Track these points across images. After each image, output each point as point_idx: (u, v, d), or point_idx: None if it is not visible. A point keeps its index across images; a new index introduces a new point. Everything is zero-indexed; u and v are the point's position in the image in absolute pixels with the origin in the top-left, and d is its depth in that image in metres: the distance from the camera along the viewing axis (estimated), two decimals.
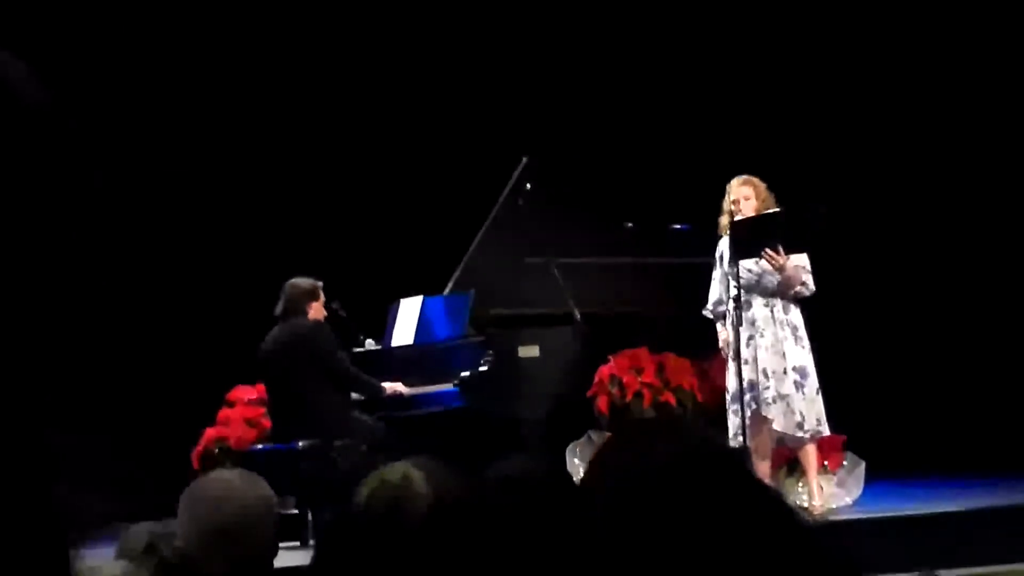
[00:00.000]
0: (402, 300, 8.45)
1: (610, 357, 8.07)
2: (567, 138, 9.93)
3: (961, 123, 9.93)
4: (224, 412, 8.50)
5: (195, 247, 10.33)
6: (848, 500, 7.45)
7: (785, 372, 6.97)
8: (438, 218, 9.86)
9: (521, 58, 10.40)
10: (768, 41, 10.19)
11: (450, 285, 8.44)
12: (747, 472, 1.83)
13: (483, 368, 7.81)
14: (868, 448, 7.63)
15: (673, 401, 7.94)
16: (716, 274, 7.30)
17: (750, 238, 6.98)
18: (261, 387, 8.13)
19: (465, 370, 7.83)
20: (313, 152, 10.64)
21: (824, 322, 7.28)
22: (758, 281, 7.08)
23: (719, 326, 7.30)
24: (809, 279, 7.08)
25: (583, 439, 7.96)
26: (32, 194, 1.57)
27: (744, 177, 7.18)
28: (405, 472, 2.17)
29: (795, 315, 7.08)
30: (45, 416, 1.53)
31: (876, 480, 7.68)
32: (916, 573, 5.22)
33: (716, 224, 7.26)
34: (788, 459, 7.39)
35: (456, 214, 9.05)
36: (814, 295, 7.11)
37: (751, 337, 7.00)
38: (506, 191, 8.31)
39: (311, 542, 7.51)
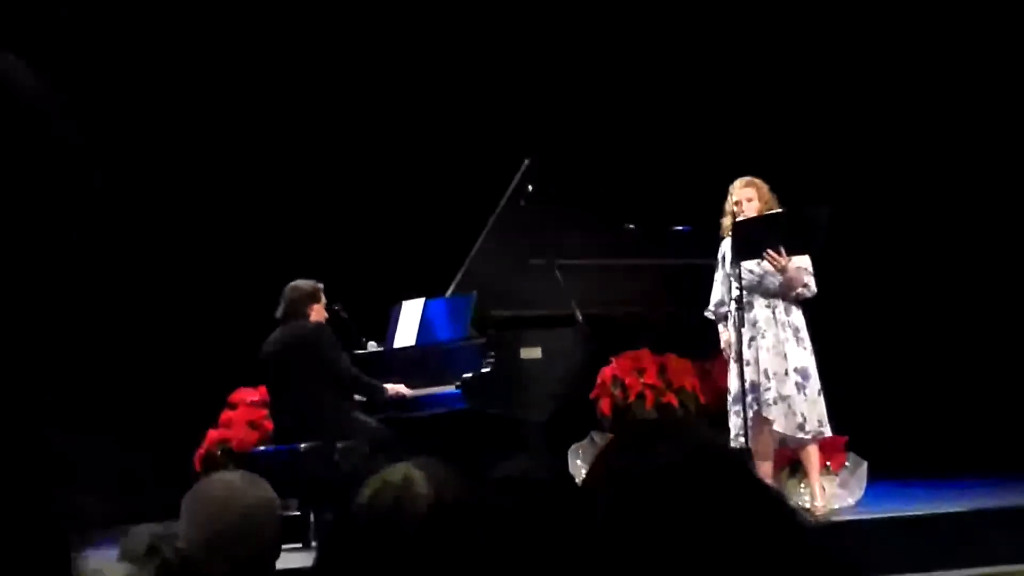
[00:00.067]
0: (404, 302, 8.45)
1: (612, 358, 8.07)
2: (569, 140, 9.93)
3: (962, 125, 9.93)
4: (226, 414, 8.50)
5: (197, 249, 10.33)
6: (850, 501, 7.45)
7: (786, 373, 6.97)
8: (440, 220, 9.87)
9: (523, 60, 10.40)
10: (770, 42, 10.20)
11: (452, 287, 8.44)
12: (749, 473, 1.83)
13: (485, 369, 7.81)
14: (870, 449, 7.63)
15: (675, 402, 7.94)
16: (718, 275, 7.30)
17: (752, 238, 6.98)
18: (263, 389, 8.14)
19: (467, 371, 7.83)
20: (315, 154, 10.64)
21: (826, 323, 7.27)
22: (760, 282, 7.08)
23: (721, 327, 7.30)
24: (811, 280, 7.08)
25: (585, 440, 7.96)
26: (31, 193, 1.57)
27: (747, 179, 7.18)
28: (407, 473, 2.17)
29: (797, 316, 7.08)
30: (46, 416, 1.54)
31: (878, 481, 7.68)
32: None
33: (718, 225, 7.26)
34: (790, 460, 7.39)
35: (458, 216, 9.05)
36: (816, 296, 7.11)
37: (752, 338, 7.01)
38: (508, 193, 8.31)
39: (313, 544, 7.52)
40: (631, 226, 8.52)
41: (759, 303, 7.07)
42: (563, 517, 2.44)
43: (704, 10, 10.33)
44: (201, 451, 8.46)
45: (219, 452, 8.36)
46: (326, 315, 7.76)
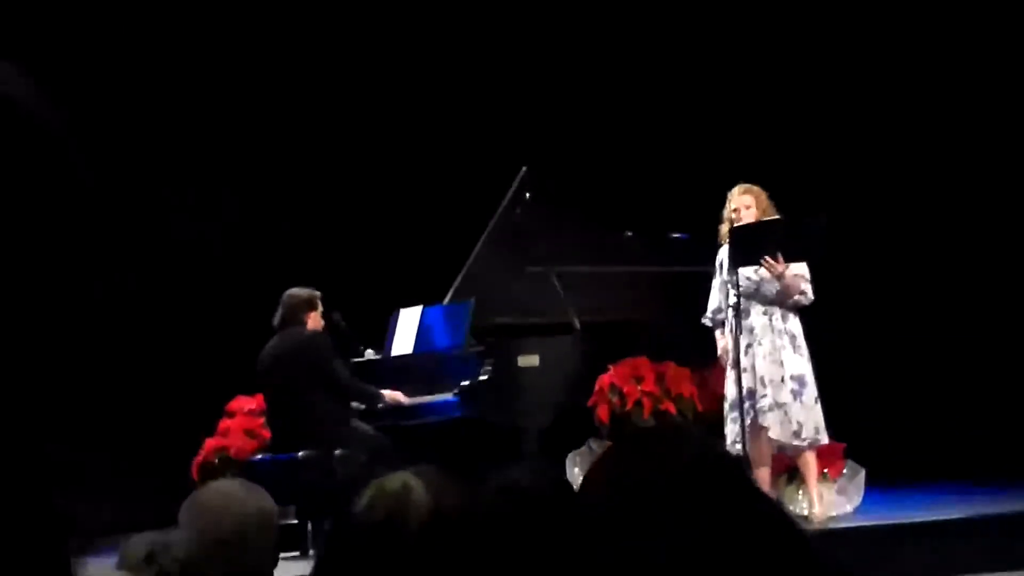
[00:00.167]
0: (402, 310, 8.45)
1: (610, 366, 8.07)
2: (566, 147, 9.94)
3: (959, 134, 9.93)
4: (224, 423, 8.50)
5: (195, 257, 10.33)
6: (849, 508, 7.45)
7: (783, 380, 6.97)
8: (438, 228, 9.87)
9: (520, 68, 10.41)
10: (767, 50, 10.20)
11: (450, 294, 8.44)
12: (749, 481, 1.83)
13: (483, 377, 7.81)
14: (868, 456, 7.63)
15: (673, 410, 7.93)
16: (716, 282, 7.31)
17: (749, 245, 6.98)
18: (260, 398, 8.13)
19: (465, 379, 7.83)
20: (312, 162, 10.64)
21: (824, 330, 7.28)
22: (757, 289, 7.08)
23: (718, 334, 7.31)
24: (808, 288, 7.08)
25: (583, 448, 7.96)
26: (28, 202, 1.57)
27: (745, 186, 7.19)
28: (405, 481, 2.17)
29: (793, 323, 7.08)
30: (45, 425, 1.54)
31: (876, 488, 7.68)
32: None
33: (716, 232, 7.27)
34: (788, 467, 7.39)
35: (456, 224, 9.05)
36: (813, 303, 7.11)
37: (749, 345, 7.01)
38: (506, 200, 8.31)
39: (311, 552, 7.51)
40: (629, 233, 8.52)
41: (756, 310, 7.08)
42: (561, 525, 2.44)
43: (703, 17, 10.34)
44: (199, 459, 8.46)
45: (217, 460, 8.36)
46: (323, 323, 7.76)
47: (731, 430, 7.02)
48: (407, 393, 7.99)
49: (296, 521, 7.61)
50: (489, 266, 8.34)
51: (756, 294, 7.09)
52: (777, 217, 7.10)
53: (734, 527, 1.73)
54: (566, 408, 7.97)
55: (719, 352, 7.28)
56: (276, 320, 7.69)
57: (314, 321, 7.69)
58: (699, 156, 9.83)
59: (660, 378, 8.00)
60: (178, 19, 10.25)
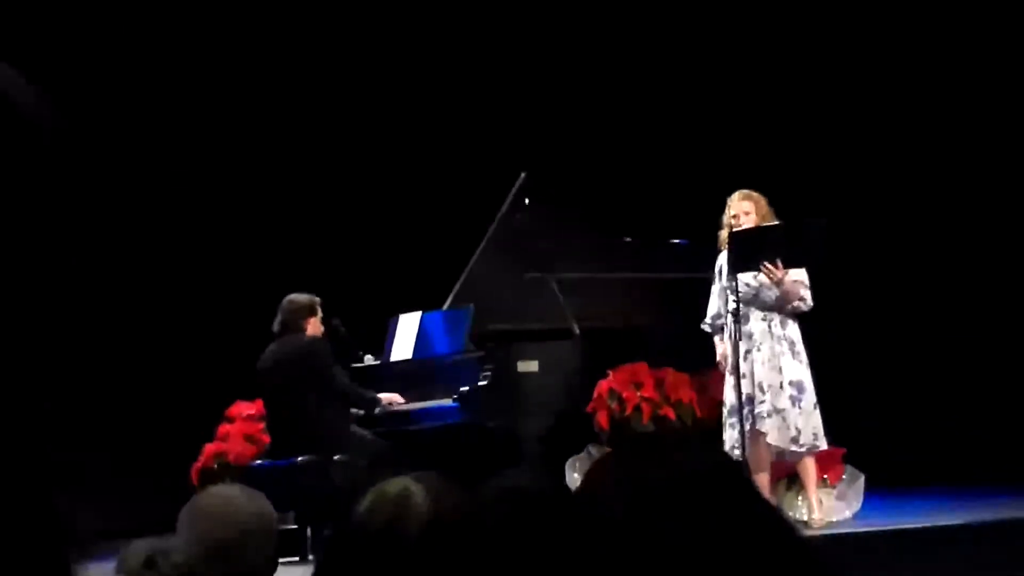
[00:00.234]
0: (401, 315, 8.45)
1: (609, 372, 8.07)
2: (565, 153, 9.94)
3: (958, 140, 9.94)
4: (223, 428, 8.50)
5: (194, 262, 10.33)
6: (848, 513, 7.44)
7: (781, 386, 6.97)
8: (437, 233, 9.87)
9: (519, 74, 10.42)
10: (767, 55, 10.21)
11: (449, 300, 8.44)
12: (750, 487, 1.83)
13: (482, 383, 7.81)
14: (868, 461, 7.63)
15: (672, 416, 7.93)
16: (715, 288, 7.31)
17: (749, 251, 6.98)
18: (260, 403, 8.13)
19: (464, 385, 7.83)
20: (312, 167, 10.65)
21: (823, 336, 7.28)
22: (756, 295, 7.09)
23: (717, 340, 7.31)
24: (807, 294, 7.08)
25: (582, 454, 7.96)
26: (29, 209, 1.58)
27: (745, 192, 7.19)
28: (404, 486, 2.17)
29: (792, 329, 7.09)
30: (45, 430, 1.54)
31: (876, 493, 7.68)
32: None
33: (715, 238, 7.27)
34: (788, 473, 7.39)
35: (455, 229, 9.06)
36: (813, 309, 7.11)
37: (748, 351, 7.01)
38: (505, 206, 8.31)
39: (310, 557, 7.51)
40: (628, 239, 8.53)
41: (755, 316, 7.08)
42: (560, 531, 2.44)
43: (703, 23, 10.35)
44: (198, 465, 8.45)
45: (216, 466, 8.35)
46: (322, 329, 7.77)
47: (730, 436, 7.02)
48: (406, 398, 8.00)
49: (295, 526, 7.61)
50: (488, 271, 8.34)
51: (755, 300, 7.09)
52: (777, 223, 7.09)
53: (734, 533, 1.73)
54: (565, 413, 7.97)
55: (718, 358, 7.29)
56: (276, 326, 7.69)
57: (314, 327, 7.70)
58: (699, 162, 9.83)
59: (659, 384, 8.00)
60: (181, 20, 10.25)
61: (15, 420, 1.52)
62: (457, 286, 8.42)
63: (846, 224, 8.77)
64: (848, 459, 7.60)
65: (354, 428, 7.78)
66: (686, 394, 7.98)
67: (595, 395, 8.00)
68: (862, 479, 7.52)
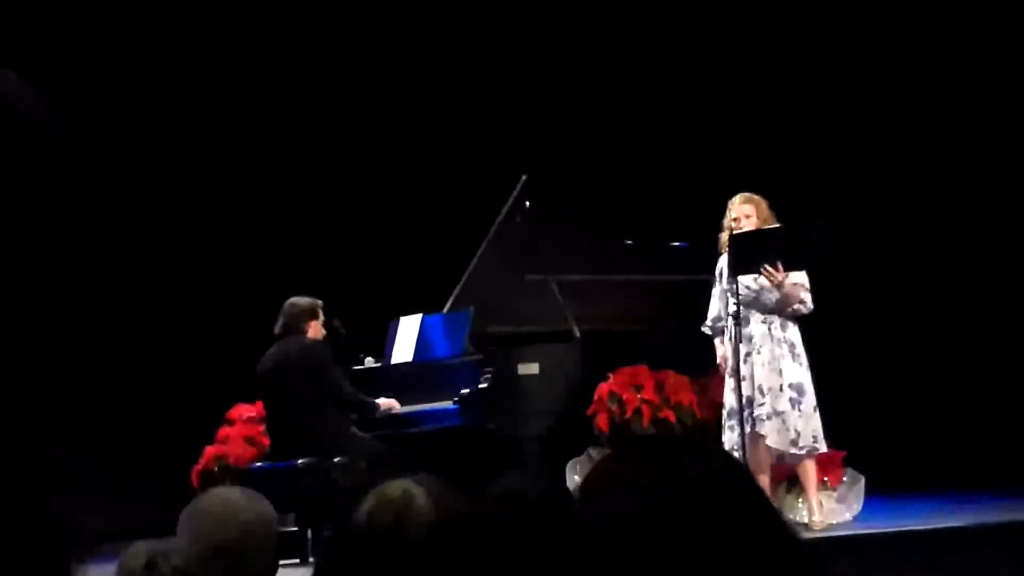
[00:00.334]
0: (401, 318, 8.45)
1: (609, 374, 8.07)
2: (566, 156, 9.94)
3: (957, 143, 9.94)
4: (224, 430, 8.50)
5: (195, 265, 10.33)
6: (848, 516, 7.44)
7: (781, 389, 6.97)
8: (438, 236, 9.87)
9: (521, 76, 10.42)
10: (767, 59, 10.21)
11: (450, 302, 8.44)
12: (756, 489, 1.83)
13: (482, 385, 7.81)
14: (868, 464, 7.62)
15: (673, 418, 7.93)
16: (715, 291, 7.32)
17: (749, 253, 6.98)
18: (260, 405, 8.14)
19: (464, 387, 7.83)
20: (313, 169, 10.65)
21: (823, 338, 7.28)
22: (756, 297, 7.09)
23: (717, 342, 7.31)
24: (807, 297, 7.08)
25: (583, 456, 7.96)
26: (31, 211, 1.58)
27: (746, 195, 7.19)
28: (406, 488, 2.17)
29: (793, 332, 7.09)
30: (45, 432, 1.54)
31: (876, 495, 7.67)
32: None
33: (716, 241, 7.28)
34: (788, 475, 7.39)
35: (456, 232, 9.06)
36: (813, 311, 7.11)
37: (748, 354, 7.02)
38: (505, 209, 8.31)
39: (311, 559, 7.51)
40: (628, 242, 8.53)
41: (755, 318, 7.08)
42: (561, 533, 2.44)
43: (703, 26, 10.35)
44: (199, 467, 8.46)
45: (216, 468, 8.36)
46: (323, 332, 7.77)
47: (728, 438, 7.02)
48: (407, 401, 8.00)
49: (296, 529, 7.61)
50: (489, 274, 8.34)
51: (755, 303, 7.09)
52: (777, 225, 7.10)
53: (738, 536, 1.73)
54: (565, 416, 7.97)
55: (718, 360, 7.29)
56: (277, 328, 7.70)
57: (315, 330, 7.70)
58: (700, 165, 9.84)
59: (659, 386, 8.00)
60: (182, 21, 10.26)
61: (16, 422, 1.52)
62: (458, 289, 8.43)
63: (846, 227, 8.77)
64: (848, 462, 7.59)
65: (354, 430, 7.78)
66: (686, 396, 7.98)
67: (595, 397, 8.00)
68: (862, 482, 7.52)
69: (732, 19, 10.34)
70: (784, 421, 6.94)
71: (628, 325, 8.43)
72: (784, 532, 1.80)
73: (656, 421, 7.88)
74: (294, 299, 7.75)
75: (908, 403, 9.62)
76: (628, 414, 7.89)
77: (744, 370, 6.97)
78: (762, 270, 6.96)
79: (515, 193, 8.31)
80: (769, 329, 7.06)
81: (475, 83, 10.48)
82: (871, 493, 7.57)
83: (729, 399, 7.09)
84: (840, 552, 6.40)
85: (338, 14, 10.53)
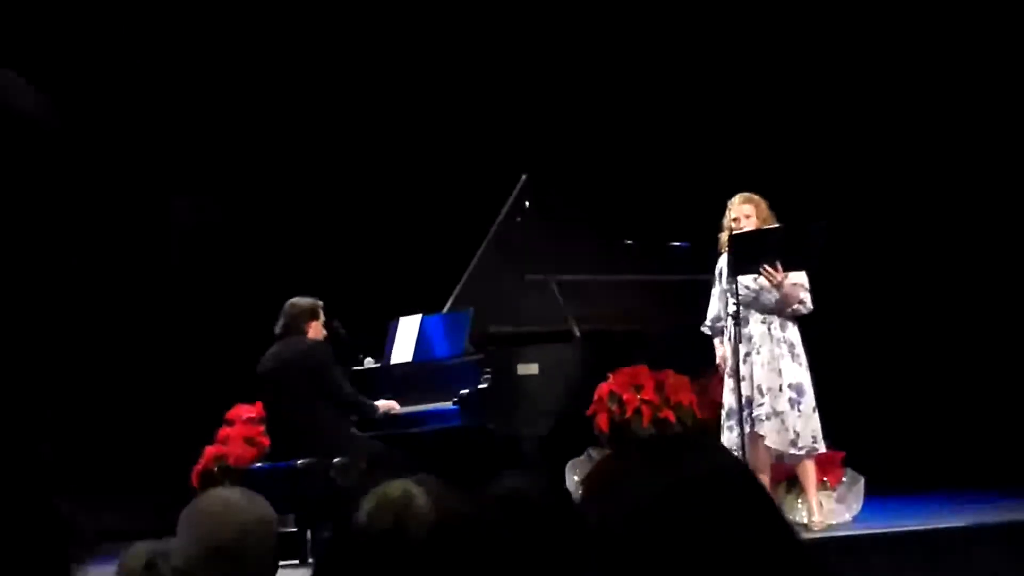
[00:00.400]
0: (401, 318, 8.45)
1: (609, 374, 8.07)
2: (566, 156, 9.94)
3: (956, 142, 9.94)
4: (223, 431, 8.50)
5: (196, 266, 10.33)
6: (848, 516, 7.44)
7: (781, 389, 6.97)
8: (438, 236, 9.87)
9: (521, 76, 10.42)
10: (767, 59, 10.21)
11: (450, 302, 8.44)
12: (761, 491, 1.83)
13: (482, 386, 7.81)
14: (868, 464, 7.62)
15: (672, 418, 7.92)
16: (715, 291, 7.31)
17: (748, 254, 6.98)
18: (260, 406, 8.14)
19: (464, 388, 7.83)
20: (313, 170, 10.65)
21: (824, 338, 7.28)
22: (756, 298, 7.09)
23: (717, 342, 7.31)
24: (807, 297, 7.08)
25: (582, 456, 7.95)
26: (31, 213, 1.58)
27: (746, 195, 7.18)
28: (406, 489, 2.17)
29: (792, 332, 7.08)
30: (45, 433, 1.54)
31: (876, 496, 7.67)
32: None
33: (716, 241, 7.27)
34: (788, 476, 7.39)
35: (456, 232, 9.06)
36: (813, 312, 7.11)
37: (748, 354, 7.01)
38: (505, 209, 8.31)
39: (310, 560, 7.50)
40: (628, 242, 8.52)
41: (755, 319, 7.08)
42: (560, 533, 2.44)
43: (704, 26, 10.35)
44: (198, 468, 8.45)
45: (216, 469, 8.35)
46: (324, 332, 7.77)
47: (728, 438, 7.01)
48: (406, 401, 8.00)
49: (295, 529, 7.61)
50: (489, 274, 8.34)
51: (755, 303, 7.09)
52: (776, 225, 7.10)
53: (739, 535, 1.73)
54: (565, 416, 7.96)
55: (718, 360, 7.29)
56: (278, 328, 7.70)
57: (315, 330, 7.71)
58: (700, 165, 9.83)
59: (659, 386, 7.99)
60: (183, 21, 10.26)
61: (16, 423, 1.52)
62: (457, 289, 8.42)
63: (846, 227, 8.77)
64: (848, 462, 7.59)
65: (353, 431, 7.78)
66: (686, 397, 7.98)
67: (595, 398, 8.00)
68: (862, 482, 7.52)
69: (732, 19, 10.34)
70: (783, 421, 6.94)
71: (628, 325, 8.42)
72: (786, 531, 1.80)
73: (656, 421, 7.88)
74: (295, 299, 7.76)
75: (907, 403, 9.62)
76: (628, 414, 7.88)
77: (743, 370, 6.96)
78: (761, 270, 6.96)
79: (515, 193, 8.31)
80: (769, 329, 7.06)
81: (475, 83, 10.48)
82: (870, 493, 7.57)
83: (728, 399, 7.09)
84: (840, 553, 6.40)
85: (338, 15, 10.53)
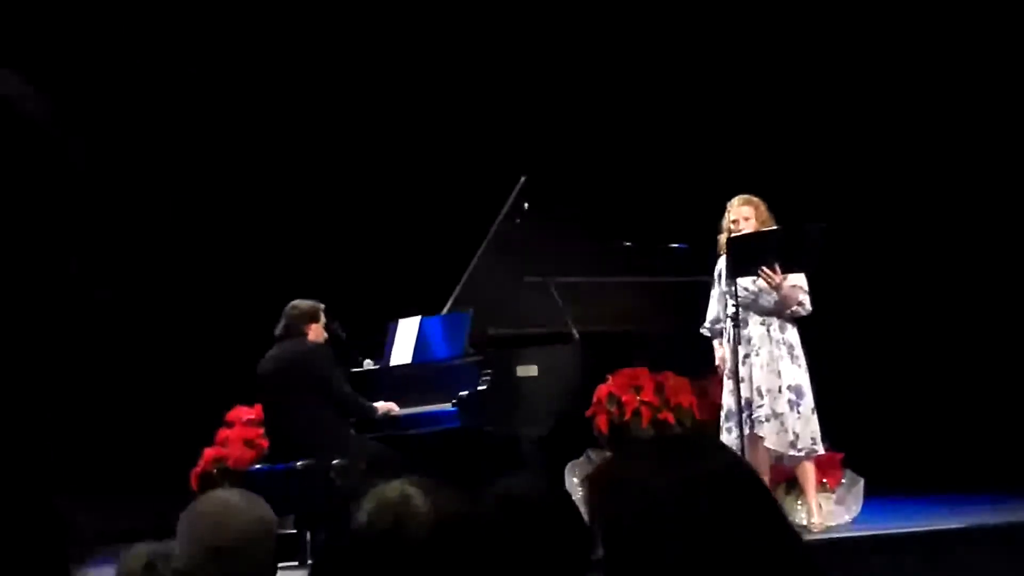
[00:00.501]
0: (400, 320, 8.45)
1: (608, 376, 8.07)
2: (565, 157, 9.94)
3: (955, 144, 9.95)
4: (223, 432, 8.50)
5: (195, 267, 10.33)
6: (847, 518, 7.44)
7: (780, 391, 6.97)
8: (437, 237, 9.87)
9: (519, 78, 10.42)
10: (766, 60, 10.22)
11: (449, 304, 8.44)
12: (765, 493, 1.84)
13: (481, 387, 7.81)
14: (867, 466, 7.63)
15: (672, 420, 7.93)
16: (714, 292, 7.32)
17: (747, 256, 6.98)
18: (259, 407, 8.14)
19: (463, 389, 7.83)
20: (312, 172, 10.65)
21: (823, 340, 7.28)
22: (755, 300, 7.09)
23: (716, 344, 7.31)
24: (806, 299, 7.08)
25: (582, 458, 7.95)
26: (32, 216, 1.58)
27: (745, 197, 7.19)
28: (404, 490, 2.17)
29: (791, 334, 7.09)
30: (45, 435, 1.54)
31: (875, 497, 7.68)
32: None
33: (715, 243, 7.28)
34: (787, 477, 7.39)
35: (455, 234, 9.06)
36: (812, 313, 7.11)
37: (747, 355, 7.02)
38: (504, 210, 8.31)
39: (309, 562, 7.50)
40: (627, 243, 8.53)
41: (754, 320, 7.08)
42: (560, 534, 2.44)
43: (702, 28, 10.35)
44: (197, 469, 8.45)
45: (215, 470, 8.35)
46: (324, 335, 7.77)
47: (726, 440, 7.00)
48: (405, 403, 8.00)
49: (295, 531, 7.60)
50: (488, 276, 8.34)
51: (754, 304, 7.09)
52: (775, 227, 7.10)
53: (742, 534, 1.73)
54: (564, 418, 7.96)
55: (717, 362, 7.29)
56: (278, 330, 7.71)
57: (315, 333, 7.71)
58: (698, 167, 9.84)
59: (659, 388, 8.00)
60: (183, 22, 10.26)
61: (16, 424, 1.53)
62: (457, 290, 8.42)
63: (845, 229, 8.77)
64: (847, 463, 7.60)
65: (353, 433, 7.78)
66: (686, 398, 7.98)
67: (594, 399, 8.00)
68: (861, 483, 7.53)
69: (731, 20, 10.34)
70: (783, 423, 6.94)
71: (627, 327, 8.43)
72: (789, 531, 1.80)
73: (655, 423, 7.88)
74: (295, 301, 7.76)
75: (907, 405, 9.62)
76: (627, 416, 7.89)
77: (743, 372, 6.97)
78: (760, 272, 6.96)
79: (514, 194, 8.31)
80: (768, 331, 7.07)
81: (474, 84, 10.48)
82: (870, 495, 7.58)
83: (728, 401, 7.09)
84: (839, 554, 6.40)
85: (338, 15, 10.54)
